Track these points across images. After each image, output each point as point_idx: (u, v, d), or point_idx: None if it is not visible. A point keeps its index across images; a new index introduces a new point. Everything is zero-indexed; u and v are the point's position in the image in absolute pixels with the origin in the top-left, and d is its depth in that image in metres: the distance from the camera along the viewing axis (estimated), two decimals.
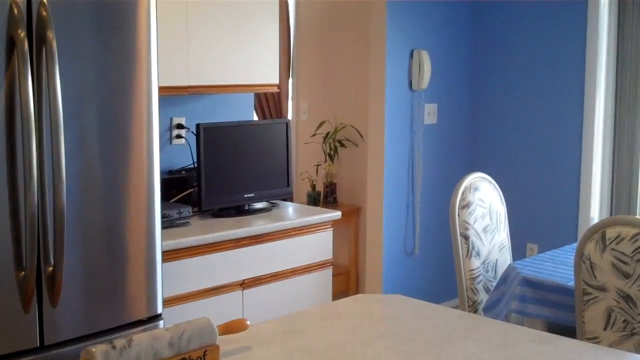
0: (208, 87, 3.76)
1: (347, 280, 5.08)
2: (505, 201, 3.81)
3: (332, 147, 5.11)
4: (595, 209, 4.83)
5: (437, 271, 5.12)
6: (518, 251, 4.64)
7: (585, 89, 4.82)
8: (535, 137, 5.10)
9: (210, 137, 3.65)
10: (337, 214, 3.90)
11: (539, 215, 5.09)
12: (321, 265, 3.85)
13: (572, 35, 4.86)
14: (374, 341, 2.04)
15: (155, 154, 2.80)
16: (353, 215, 5.10)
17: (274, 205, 3.93)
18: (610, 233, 2.85)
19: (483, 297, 3.52)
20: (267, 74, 3.96)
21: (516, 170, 5.17)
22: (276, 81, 4.02)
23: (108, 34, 2.62)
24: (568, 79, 4.91)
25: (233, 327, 1.97)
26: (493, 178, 3.78)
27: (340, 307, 2.35)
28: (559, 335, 2.10)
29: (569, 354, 1.97)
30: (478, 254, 3.53)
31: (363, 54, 5.04)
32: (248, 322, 2.00)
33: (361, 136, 5.04)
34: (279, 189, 3.95)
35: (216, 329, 1.87)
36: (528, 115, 5.13)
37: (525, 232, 5.05)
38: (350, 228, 5.10)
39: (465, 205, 3.53)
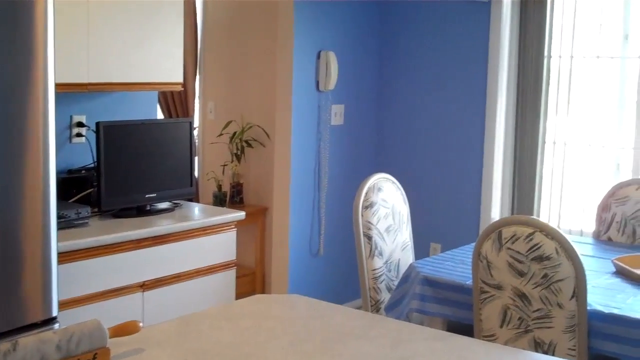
0: (109, 85, 3.69)
1: (253, 282, 5.06)
2: (410, 201, 3.86)
3: (239, 147, 5.08)
4: (496, 210, 4.94)
5: (342, 271, 5.15)
6: (421, 251, 4.70)
7: (488, 90, 4.92)
8: (439, 138, 5.19)
9: (111, 135, 3.58)
10: (240, 215, 3.87)
11: (442, 216, 5.17)
12: (225, 266, 3.82)
13: (476, 37, 4.96)
14: (270, 341, 2.03)
15: (51, 152, 2.74)
16: (259, 215, 5.08)
17: (177, 206, 3.88)
18: (506, 233, 2.91)
19: (385, 297, 3.55)
20: (171, 72, 3.90)
21: (421, 171, 5.24)
22: (180, 80, 3.97)
23: (2, 29, 2.54)
24: (471, 80, 5.01)
25: (125, 330, 1.93)
26: (399, 179, 3.82)
27: (237, 308, 2.33)
28: (452, 333, 2.14)
29: (461, 351, 2.00)
30: (381, 254, 3.56)
31: (270, 54, 5.02)
32: (141, 324, 1.96)
33: (268, 136, 5.03)
34: (182, 189, 3.90)
35: (107, 331, 1.83)
36: (432, 117, 5.21)
37: (428, 232, 5.12)
38: (257, 229, 5.07)
39: (368, 206, 3.55)
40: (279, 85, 4.94)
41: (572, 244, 2.84)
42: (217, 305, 3.58)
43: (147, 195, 3.71)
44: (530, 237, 2.86)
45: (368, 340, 2.05)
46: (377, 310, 3.52)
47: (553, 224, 4.71)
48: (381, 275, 3.55)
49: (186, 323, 2.17)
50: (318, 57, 4.98)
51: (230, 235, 3.83)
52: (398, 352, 1.96)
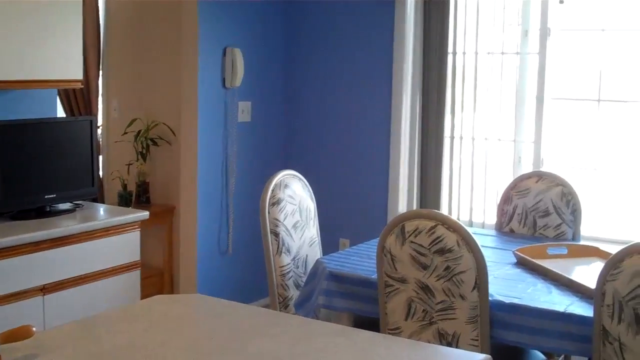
0: (5, 83, 3.59)
1: (161, 282, 4.98)
2: (319, 198, 3.86)
3: (144, 146, 4.99)
4: (403, 205, 4.99)
5: (251, 269, 5.12)
6: (331, 246, 4.72)
7: (393, 87, 4.96)
8: (345, 134, 5.21)
9: (7, 135, 3.48)
10: (144, 214, 3.81)
11: (351, 211, 5.20)
12: (129, 267, 3.75)
13: (381, 35, 5.00)
14: (169, 342, 2.00)
15: None
16: (167, 215, 5.00)
17: (78, 206, 3.79)
18: (409, 226, 2.94)
19: (294, 293, 3.55)
20: (70, 69, 3.82)
21: (329, 167, 5.26)
22: (80, 77, 3.89)
23: None
24: (377, 77, 5.05)
25: (16, 335, 1.87)
26: (307, 176, 3.82)
27: (137, 309, 2.29)
28: (355, 328, 2.14)
29: (363, 346, 2.01)
30: (288, 251, 3.55)
31: (175, 51, 4.95)
32: (34, 329, 1.90)
33: (174, 134, 4.96)
34: (84, 189, 3.81)
35: None
36: (339, 114, 5.23)
37: (337, 228, 5.15)
38: (164, 228, 4.99)
39: (275, 203, 3.54)
40: (185, 82, 4.87)
41: (473, 236, 2.88)
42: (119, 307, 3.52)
43: (46, 196, 3.61)
44: (432, 231, 2.89)
45: (269, 337, 2.03)
46: (286, 307, 3.51)
47: (461, 217, 4.81)
48: (289, 272, 3.54)
49: (83, 326, 2.11)
50: (224, 53, 4.93)
51: (134, 236, 3.76)
52: (299, 348, 1.96)
